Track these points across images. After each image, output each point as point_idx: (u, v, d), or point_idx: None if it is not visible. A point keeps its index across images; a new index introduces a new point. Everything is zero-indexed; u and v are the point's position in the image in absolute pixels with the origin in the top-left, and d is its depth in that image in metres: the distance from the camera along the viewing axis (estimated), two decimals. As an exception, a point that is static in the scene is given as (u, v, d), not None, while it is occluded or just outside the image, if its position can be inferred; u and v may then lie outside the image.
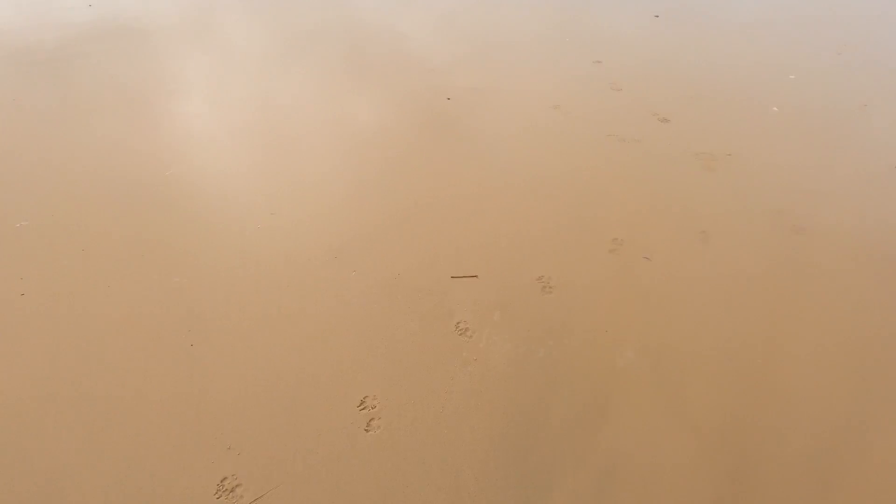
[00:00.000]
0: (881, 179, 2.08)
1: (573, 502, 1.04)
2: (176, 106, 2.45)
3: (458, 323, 1.41)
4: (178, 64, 2.91)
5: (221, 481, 1.05)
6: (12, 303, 1.44)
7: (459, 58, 3.08)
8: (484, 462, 1.10)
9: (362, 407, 1.20)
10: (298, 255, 1.61)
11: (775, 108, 2.61)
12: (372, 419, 1.17)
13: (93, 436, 1.12)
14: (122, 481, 1.04)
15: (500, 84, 2.75)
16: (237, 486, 1.05)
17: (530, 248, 1.66)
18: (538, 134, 2.30)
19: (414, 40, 3.34)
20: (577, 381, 1.27)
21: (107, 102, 2.44)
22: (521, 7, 4.05)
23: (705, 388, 1.27)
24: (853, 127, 2.50)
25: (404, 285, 1.52)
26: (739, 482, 1.08)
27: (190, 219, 1.74)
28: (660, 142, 2.27)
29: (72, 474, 1.05)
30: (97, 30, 3.28)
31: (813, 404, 1.23)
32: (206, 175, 1.96)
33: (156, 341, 1.33)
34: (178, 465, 1.07)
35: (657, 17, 3.89)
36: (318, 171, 2.01)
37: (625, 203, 1.88)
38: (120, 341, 1.33)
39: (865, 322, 1.45)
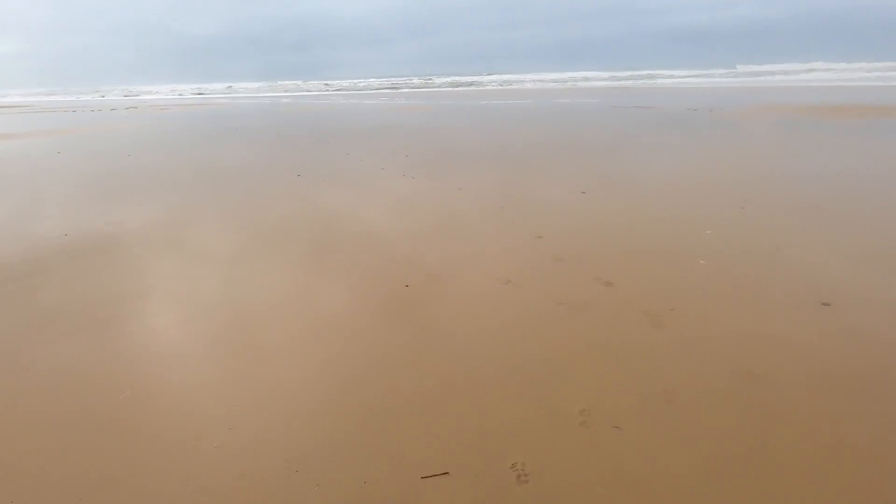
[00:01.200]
0: (814, 317, 2.25)
1: None
2: (137, 322, 2.50)
3: (432, 534, 1.29)
4: (145, 276, 3.05)
5: None
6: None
7: (415, 244, 3.39)
8: None
9: None
10: (257, 472, 1.51)
11: (702, 262, 2.92)
12: None
13: None
14: None
15: (453, 266, 3.00)
16: None
17: (500, 434, 1.63)
18: (493, 311, 2.44)
19: (372, 230, 3.68)
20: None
21: (65, 325, 2.46)
22: (465, 191, 4.65)
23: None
24: (775, 269, 2.79)
25: (372, 494, 1.42)
26: None
27: (142, 446, 1.64)
28: (607, 305, 2.44)
29: None
30: (67, 250, 3.48)
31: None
32: (164, 393, 1.91)
33: None
34: None
35: (584, 193, 4.51)
36: (280, 376, 2.00)
37: (585, 372, 1.93)
38: None
39: (837, 459, 1.42)
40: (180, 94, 44.75)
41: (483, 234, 3.55)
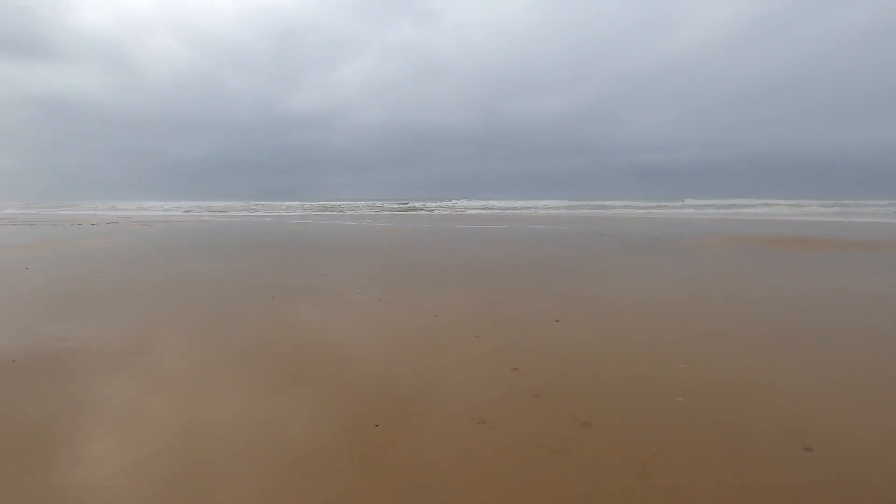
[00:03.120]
0: (797, 464, 2.18)
1: None
2: (76, 447, 2.23)
3: None
4: (88, 405, 2.79)
5: None
6: None
7: (388, 377, 3.27)
8: None
9: None
10: None
11: (680, 399, 2.87)
12: None
13: None
14: None
15: (427, 402, 2.87)
16: None
17: None
18: (468, 456, 2.28)
19: (344, 359, 3.56)
20: None
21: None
22: (441, 317, 4.64)
23: None
24: (754, 407, 2.75)
25: None
26: None
27: None
28: (587, 449, 2.32)
29: None
30: (10, 372, 3.20)
31: None
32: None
33: None
34: None
35: (558, 321, 4.57)
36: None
37: (568, 534, 1.75)
38: None
39: None
40: (166, 211, 45.91)
41: (458, 366, 3.47)
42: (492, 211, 40.36)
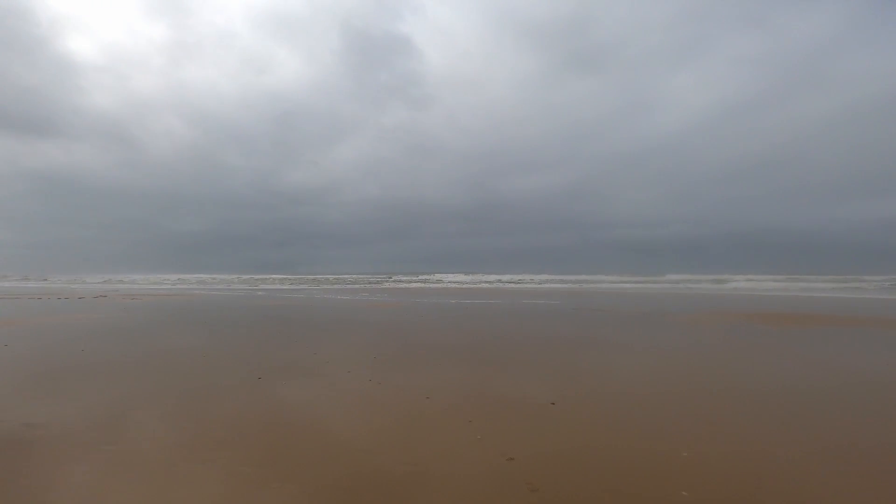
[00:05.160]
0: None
1: None
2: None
3: None
4: (57, 485, 2.57)
5: None
6: None
7: (376, 469, 3.07)
8: None
9: None
10: None
11: (684, 493, 2.71)
12: None
13: None
14: None
15: (414, 495, 2.68)
16: None
17: None
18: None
19: (330, 448, 3.36)
20: None
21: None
22: (433, 399, 4.46)
23: None
24: (767, 501, 2.59)
25: None
26: None
27: None
28: (590, 553, 2.14)
29: None
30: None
31: None
32: None
33: None
34: None
35: (553, 404, 4.42)
36: None
37: None
38: None
39: None
40: (157, 284, 45.53)
41: (451, 454, 3.29)
42: (482, 285, 40.51)
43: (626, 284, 39.54)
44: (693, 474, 2.94)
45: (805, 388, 5.07)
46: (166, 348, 7.63)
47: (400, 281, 50.00)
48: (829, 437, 3.61)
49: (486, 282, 45.42)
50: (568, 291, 29.23)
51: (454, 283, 46.58)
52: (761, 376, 5.57)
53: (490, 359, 6.70)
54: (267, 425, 3.88)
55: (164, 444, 3.50)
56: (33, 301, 19.34)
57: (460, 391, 4.93)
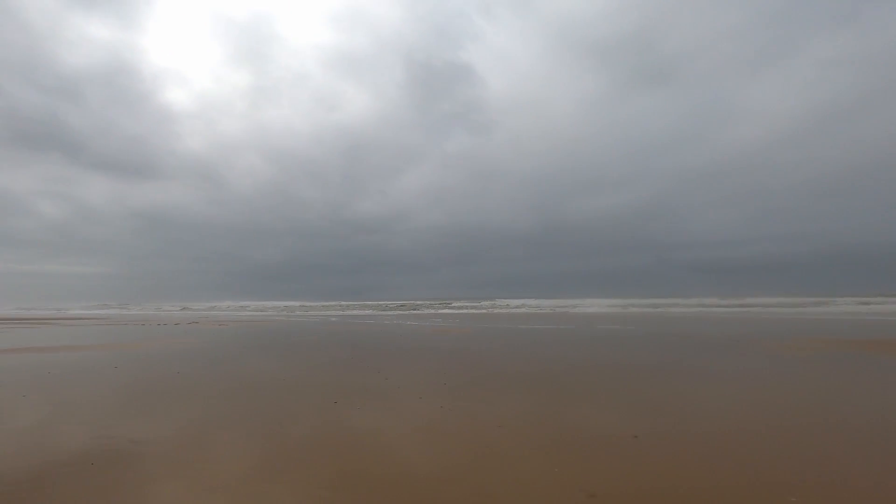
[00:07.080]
0: None
1: None
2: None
3: None
4: (159, 494, 2.77)
5: None
6: None
7: (443, 499, 3.01)
8: None
9: None
10: None
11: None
12: None
13: None
14: None
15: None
16: None
17: None
18: None
19: (402, 474, 3.35)
20: None
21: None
22: (505, 428, 4.33)
23: None
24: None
25: None
26: None
27: None
28: None
29: None
30: (82, 468, 3.29)
31: None
32: None
33: None
34: None
35: (636, 437, 4.13)
36: None
37: None
38: None
39: None
40: (240, 311, 49.11)
41: (527, 488, 3.15)
42: (553, 310, 39.36)
43: (707, 308, 36.64)
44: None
45: (942, 427, 4.34)
46: (251, 371, 8.12)
47: (464, 307, 49.96)
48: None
49: (556, 307, 44.11)
50: (643, 316, 27.63)
51: (522, 307, 45.74)
52: (878, 412, 4.86)
53: (565, 387, 6.43)
54: (341, 449, 3.96)
55: (247, 463, 3.68)
56: (137, 327, 21.56)
57: (534, 420, 4.76)
